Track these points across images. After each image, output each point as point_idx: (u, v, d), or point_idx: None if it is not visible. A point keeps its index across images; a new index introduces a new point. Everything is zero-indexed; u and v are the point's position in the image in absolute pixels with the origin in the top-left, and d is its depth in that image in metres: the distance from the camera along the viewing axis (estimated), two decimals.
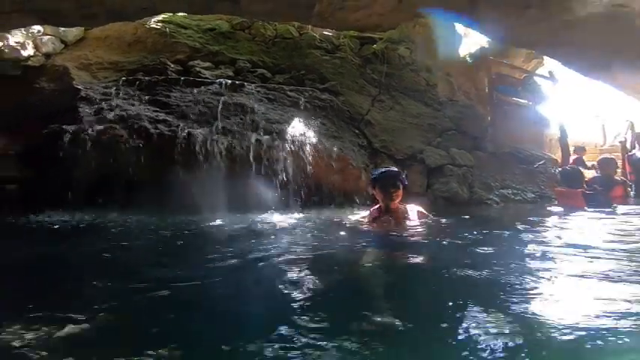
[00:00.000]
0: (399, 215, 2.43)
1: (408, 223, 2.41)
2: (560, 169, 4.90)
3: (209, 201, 3.15)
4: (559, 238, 2.18)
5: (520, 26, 4.07)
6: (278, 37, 6.08)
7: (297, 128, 3.91)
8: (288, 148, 3.64)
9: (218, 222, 2.79)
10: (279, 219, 3.00)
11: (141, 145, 3.47)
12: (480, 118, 6.29)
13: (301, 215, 3.18)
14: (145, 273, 1.49)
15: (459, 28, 7.56)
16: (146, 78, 4.37)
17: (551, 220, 3.09)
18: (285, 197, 3.37)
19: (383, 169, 2.58)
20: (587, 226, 2.68)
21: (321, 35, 6.55)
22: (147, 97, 4.02)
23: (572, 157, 7.71)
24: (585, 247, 1.78)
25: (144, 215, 3.14)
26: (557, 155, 7.85)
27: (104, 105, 3.88)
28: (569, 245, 1.92)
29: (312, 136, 3.88)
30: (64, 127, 3.50)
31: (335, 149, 3.93)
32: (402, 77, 6.18)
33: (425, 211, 2.62)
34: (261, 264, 1.64)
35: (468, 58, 7.52)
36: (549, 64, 8.90)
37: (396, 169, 2.63)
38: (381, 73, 6.03)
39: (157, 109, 3.86)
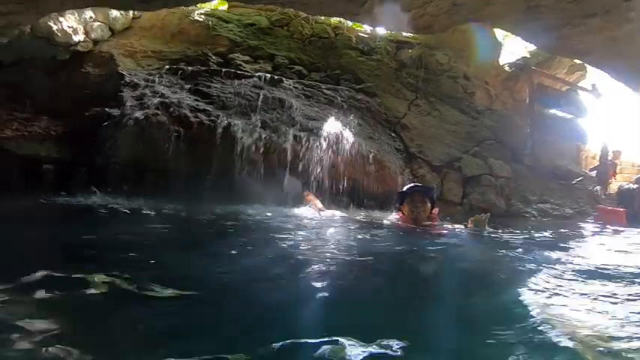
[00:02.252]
0: (421, 224, 2.37)
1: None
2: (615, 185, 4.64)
3: (245, 193, 3.12)
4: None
5: (577, 34, 3.86)
6: (314, 35, 6.06)
7: (334, 126, 3.84)
8: (325, 146, 3.58)
9: (253, 214, 2.75)
10: (311, 215, 2.93)
11: (181, 132, 3.49)
12: (519, 130, 6.04)
13: (337, 214, 3.10)
14: (170, 263, 1.43)
15: (499, 35, 7.33)
16: (189, 68, 4.42)
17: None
18: (320, 195, 3.30)
19: (413, 185, 2.57)
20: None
21: (356, 37, 6.49)
22: (188, 86, 4.06)
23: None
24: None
25: (179, 203, 3.14)
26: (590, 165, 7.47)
27: (147, 91, 3.94)
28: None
29: (348, 135, 3.80)
30: (107, 110, 3.57)
31: (372, 150, 3.83)
32: (439, 83, 6.03)
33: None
34: (285, 256, 1.57)
35: (507, 68, 7.26)
36: (592, 76, 8.50)
37: (427, 186, 2.65)
38: (418, 78, 5.90)
39: (198, 99, 3.90)
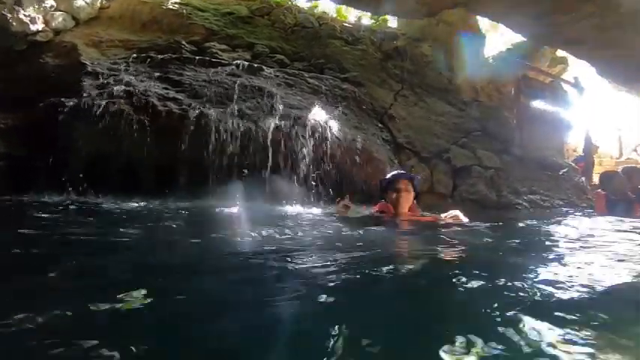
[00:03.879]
0: (405, 214, 2.30)
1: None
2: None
3: (218, 188, 2.82)
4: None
5: (569, 22, 3.74)
6: (298, 25, 5.80)
7: (318, 115, 3.58)
8: (308, 136, 3.31)
9: (225, 211, 2.45)
10: (296, 211, 2.66)
11: (147, 122, 3.15)
12: (506, 121, 5.95)
13: (318, 210, 2.83)
14: (123, 271, 1.15)
15: (484, 27, 7.28)
16: (158, 56, 4.07)
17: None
18: (303, 189, 3.03)
19: (398, 172, 2.51)
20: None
21: (341, 27, 6.28)
22: (157, 74, 3.72)
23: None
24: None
25: (147, 198, 2.81)
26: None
27: (111, 80, 3.58)
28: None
29: (333, 124, 3.54)
30: (62, 100, 3.19)
31: (359, 139, 3.59)
32: (425, 75, 5.88)
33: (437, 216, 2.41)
34: (263, 256, 1.30)
35: (491, 60, 7.20)
36: (574, 70, 8.60)
37: (411, 174, 2.59)
38: (403, 69, 5.73)
39: (168, 87, 3.56)
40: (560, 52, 7.95)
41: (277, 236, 1.68)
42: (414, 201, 2.39)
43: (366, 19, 7.54)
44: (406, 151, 4.26)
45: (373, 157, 3.67)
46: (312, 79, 4.36)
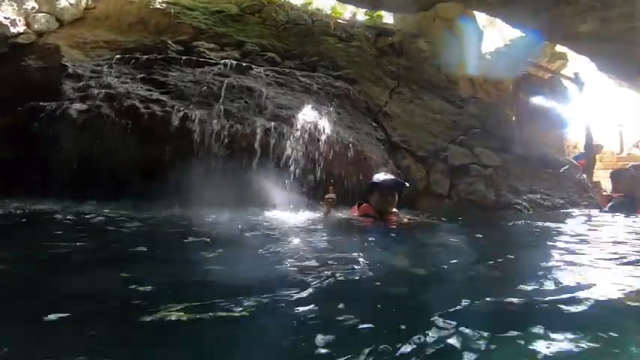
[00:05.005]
0: (391, 221, 2.35)
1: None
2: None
3: (204, 193, 2.67)
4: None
5: (570, 14, 3.59)
6: (290, 22, 5.65)
7: (309, 115, 3.44)
8: (299, 136, 3.16)
9: (210, 219, 2.31)
10: (282, 218, 2.52)
11: (128, 125, 3.00)
12: (506, 118, 5.80)
13: (305, 215, 2.68)
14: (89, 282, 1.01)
15: (481, 23, 7.13)
16: (143, 57, 3.92)
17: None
18: (293, 192, 2.88)
19: (387, 177, 2.54)
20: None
21: (335, 23, 6.13)
22: (141, 76, 3.57)
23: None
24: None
25: (128, 206, 2.66)
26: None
27: (92, 82, 3.43)
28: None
29: (325, 124, 3.40)
30: (41, 104, 3.04)
31: (351, 140, 3.44)
32: (422, 71, 5.73)
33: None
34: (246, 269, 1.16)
35: (488, 56, 7.05)
36: (574, 66, 8.45)
37: (400, 180, 2.63)
38: (399, 65, 5.58)
39: (151, 89, 3.41)
40: (559, 48, 7.80)
41: (262, 245, 1.54)
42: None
43: (361, 15, 7.40)
44: (401, 150, 4.11)
45: (367, 157, 3.52)
46: (304, 78, 4.21)
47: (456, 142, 4.65)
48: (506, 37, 7.42)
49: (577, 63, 8.45)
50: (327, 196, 2.30)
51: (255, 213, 2.59)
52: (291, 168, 3.02)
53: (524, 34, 7.19)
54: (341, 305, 0.86)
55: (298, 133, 3.20)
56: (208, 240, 1.65)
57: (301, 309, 0.85)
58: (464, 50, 6.42)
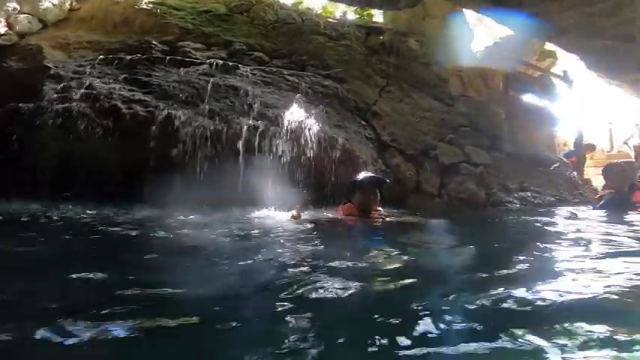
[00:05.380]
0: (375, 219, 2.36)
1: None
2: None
3: (188, 194, 2.61)
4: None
5: (556, 11, 3.59)
6: (279, 21, 5.60)
7: (296, 114, 3.39)
8: (285, 136, 3.11)
9: (191, 219, 2.24)
10: (266, 218, 2.47)
11: (110, 126, 2.93)
12: (495, 116, 5.80)
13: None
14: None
15: (470, 21, 7.15)
16: (126, 57, 3.84)
17: None
18: (280, 191, 2.82)
19: (368, 175, 2.54)
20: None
21: (325, 22, 6.10)
22: (124, 76, 3.49)
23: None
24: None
25: (108, 207, 2.59)
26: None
27: (73, 83, 3.34)
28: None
29: (312, 124, 3.35)
30: (20, 105, 2.96)
31: (340, 139, 3.40)
32: (412, 70, 5.72)
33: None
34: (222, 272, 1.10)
35: (479, 55, 7.07)
36: (563, 64, 8.51)
37: (380, 177, 2.63)
38: (389, 64, 5.56)
39: (134, 89, 3.33)
40: (548, 46, 7.85)
41: (236, 247, 1.49)
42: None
43: (352, 14, 7.38)
44: (391, 148, 4.08)
45: (355, 156, 3.48)
46: (292, 77, 4.16)
47: (446, 140, 4.63)
48: (496, 35, 7.45)
49: (566, 61, 8.52)
50: (291, 216, 2.26)
51: (239, 214, 2.53)
52: (278, 167, 2.96)
53: (513, 33, 7.23)
54: (316, 312, 0.81)
55: (285, 132, 3.15)
56: (173, 243, 1.59)
57: (273, 311, 0.80)
58: (454, 48, 6.43)
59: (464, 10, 7.01)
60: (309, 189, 2.95)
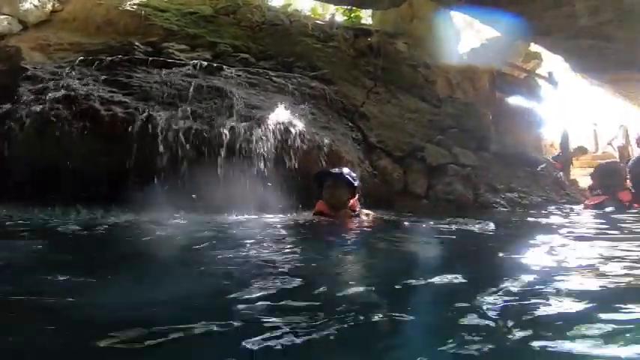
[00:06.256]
0: (346, 217, 2.31)
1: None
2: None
3: (168, 197, 2.54)
4: None
5: (539, 10, 3.63)
6: (266, 23, 5.57)
7: (282, 115, 3.34)
8: (270, 137, 3.06)
9: (173, 224, 2.18)
10: (246, 221, 2.42)
11: (87, 128, 2.84)
12: (482, 117, 5.85)
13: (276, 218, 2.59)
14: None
15: (458, 23, 7.23)
16: (107, 58, 3.76)
17: None
18: (263, 194, 2.77)
19: (332, 169, 2.49)
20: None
21: (313, 24, 6.08)
22: (104, 78, 3.41)
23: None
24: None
25: (85, 211, 2.51)
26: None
27: (51, 85, 3.25)
28: None
29: (298, 125, 3.31)
30: None
31: (326, 140, 3.36)
32: (400, 72, 5.74)
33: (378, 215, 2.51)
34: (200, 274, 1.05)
35: (465, 57, 7.14)
36: (548, 65, 8.66)
37: (345, 169, 2.54)
38: (377, 66, 5.56)
39: (114, 90, 3.25)
40: (534, 47, 7.98)
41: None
42: (354, 199, 2.34)
43: (340, 16, 7.40)
44: (378, 150, 4.06)
45: (342, 157, 3.44)
46: (278, 78, 4.12)
47: (434, 141, 4.64)
48: (483, 37, 7.55)
49: (551, 62, 8.67)
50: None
51: (217, 217, 2.47)
52: (262, 170, 2.91)
53: (499, 34, 7.33)
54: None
55: (270, 134, 3.10)
56: (136, 248, 1.53)
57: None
58: (441, 49, 6.48)
59: (450, 11, 7.09)
60: (294, 191, 2.89)
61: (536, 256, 1.42)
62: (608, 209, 3.18)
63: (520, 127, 6.54)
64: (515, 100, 6.92)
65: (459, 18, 7.13)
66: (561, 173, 6.43)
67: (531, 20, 3.93)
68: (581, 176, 8.11)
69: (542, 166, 6.20)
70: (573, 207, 4.20)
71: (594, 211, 3.24)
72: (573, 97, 10.71)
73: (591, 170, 6.96)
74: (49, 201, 2.75)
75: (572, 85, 9.87)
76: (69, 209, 2.63)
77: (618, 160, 7.95)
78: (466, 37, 7.53)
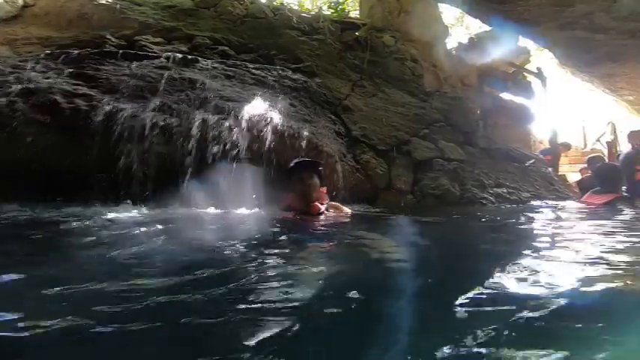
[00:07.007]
0: (316, 209, 2.21)
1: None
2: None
3: (133, 192, 2.37)
4: None
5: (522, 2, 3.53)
6: (249, 16, 5.41)
7: (259, 107, 3.19)
8: (244, 129, 2.90)
9: (127, 217, 2.01)
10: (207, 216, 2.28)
11: (47, 122, 2.66)
12: (470, 112, 5.75)
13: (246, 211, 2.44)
14: None
15: (446, 18, 7.15)
16: (74, 51, 3.57)
17: None
18: (235, 188, 2.60)
19: (302, 159, 2.44)
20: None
21: (299, 17, 5.94)
22: (69, 71, 3.21)
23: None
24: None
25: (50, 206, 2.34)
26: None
27: (11, 78, 3.05)
28: None
29: (276, 117, 3.16)
30: None
31: (305, 133, 3.21)
32: (387, 65, 5.62)
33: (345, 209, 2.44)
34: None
35: (454, 51, 7.06)
36: (538, 60, 8.63)
37: (311, 160, 2.49)
38: (363, 59, 5.44)
39: (80, 83, 3.06)
40: (522, 42, 7.93)
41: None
42: (322, 189, 2.29)
43: (327, 9, 7.28)
44: (361, 144, 3.92)
45: (322, 151, 3.30)
46: (258, 70, 3.96)
47: (420, 135, 4.52)
48: (472, 32, 7.48)
49: (540, 58, 8.64)
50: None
51: (183, 212, 2.31)
52: (234, 163, 2.75)
53: (488, 29, 7.26)
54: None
55: (244, 126, 2.95)
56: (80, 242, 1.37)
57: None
58: (430, 43, 6.39)
59: (439, 5, 7.00)
60: (269, 185, 2.74)
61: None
62: (620, 207, 3.10)
63: (509, 123, 6.47)
64: (504, 95, 6.85)
65: (448, 15, 7.06)
66: (550, 169, 6.37)
67: (519, 13, 3.84)
68: (570, 172, 8.09)
69: (531, 161, 6.13)
70: (565, 204, 4.10)
71: (603, 208, 3.14)
72: (562, 93, 10.72)
73: (582, 166, 6.92)
74: (5, 195, 2.56)
75: (561, 81, 9.87)
76: (25, 204, 2.45)
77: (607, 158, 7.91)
78: (455, 32, 7.46)
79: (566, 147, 8.43)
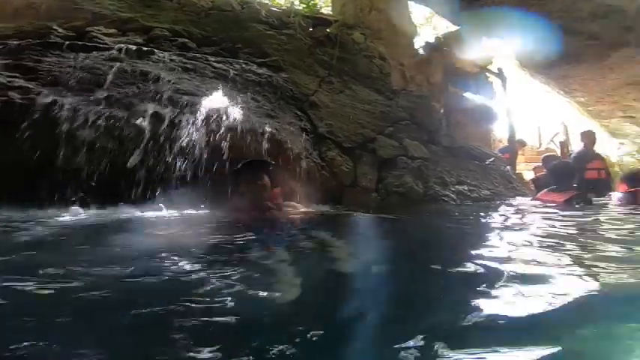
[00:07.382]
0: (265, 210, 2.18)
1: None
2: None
3: (71, 191, 2.20)
4: None
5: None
6: (214, 8, 5.22)
7: (217, 101, 3.07)
8: (199, 124, 2.78)
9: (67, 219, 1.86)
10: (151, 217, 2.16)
11: None
12: (435, 111, 5.91)
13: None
14: None
15: (415, 17, 7.29)
16: (14, 42, 3.27)
17: None
18: (188, 189, 2.49)
19: (248, 160, 2.41)
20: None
21: (267, 11, 5.81)
22: (5, 62, 2.94)
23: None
24: None
25: None
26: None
27: None
28: None
29: (236, 112, 3.05)
30: None
31: (267, 129, 3.14)
32: (356, 63, 5.64)
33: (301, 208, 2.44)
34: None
35: (421, 50, 7.22)
36: (499, 61, 9.01)
37: (261, 160, 2.49)
38: (332, 56, 5.42)
39: (16, 75, 2.80)
40: (486, 43, 8.23)
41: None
42: (275, 190, 2.25)
43: (298, 4, 7.18)
44: (327, 141, 3.90)
45: (286, 148, 3.24)
46: (219, 64, 3.83)
47: (385, 133, 4.57)
48: (439, 31, 7.68)
49: (501, 59, 9.02)
50: None
51: (128, 213, 2.17)
52: (186, 160, 2.63)
53: (455, 29, 7.49)
54: None
55: (200, 120, 2.83)
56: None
57: None
58: (398, 42, 6.49)
59: (409, 3, 7.12)
60: (226, 185, 2.64)
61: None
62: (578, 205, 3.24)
63: (471, 121, 6.70)
64: (467, 95, 7.09)
65: (417, 15, 7.20)
66: (509, 167, 6.68)
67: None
68: (526, 170, 8.54)
69: (491, 160, 6.39)
70: (523, 201, 4.26)
71: (563, 205, 3.26)
72: (520, 94, 11.25)
73: (537, 164, 7.29)
74: None
75: (520, 82, 10.38)
76: None
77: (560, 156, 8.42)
78: (423, 31, 7.63)
79: (522, 144, 8.90)
